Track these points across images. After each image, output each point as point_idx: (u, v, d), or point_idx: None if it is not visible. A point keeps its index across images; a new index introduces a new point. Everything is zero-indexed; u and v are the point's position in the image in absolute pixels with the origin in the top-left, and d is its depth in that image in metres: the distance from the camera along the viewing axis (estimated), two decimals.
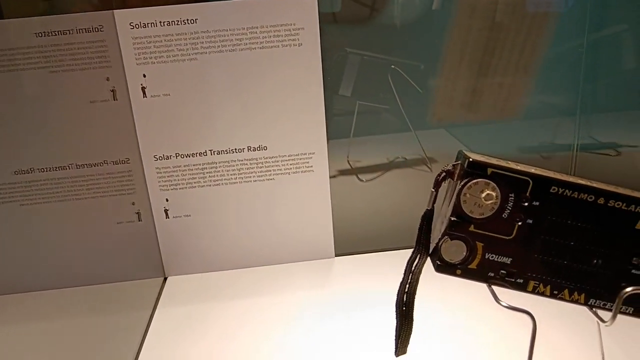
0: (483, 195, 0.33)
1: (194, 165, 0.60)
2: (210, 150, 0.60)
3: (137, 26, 0.55)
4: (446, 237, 0.34)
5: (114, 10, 0.55)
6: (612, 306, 0.34)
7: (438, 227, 0.35)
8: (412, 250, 0.36)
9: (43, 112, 0.57)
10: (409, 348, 0.38)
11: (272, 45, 0.57)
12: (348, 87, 0.68)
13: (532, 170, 0.33)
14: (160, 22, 0.55)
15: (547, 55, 0.67)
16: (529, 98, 0.69)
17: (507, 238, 0.34)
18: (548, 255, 0.34)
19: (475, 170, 0.33)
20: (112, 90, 0.57)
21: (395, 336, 0.38)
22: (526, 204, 0.33)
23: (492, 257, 0.34)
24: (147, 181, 0.60)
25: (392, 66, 0.66)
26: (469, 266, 0.34)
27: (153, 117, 0.58)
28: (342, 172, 0.70)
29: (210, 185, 0.61)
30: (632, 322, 0.35)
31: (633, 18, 0.68)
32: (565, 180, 0.33)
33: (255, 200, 0.62)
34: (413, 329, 0.37)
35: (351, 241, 0.68)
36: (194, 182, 0.61)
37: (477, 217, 0.33)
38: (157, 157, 0.60)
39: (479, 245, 0.34)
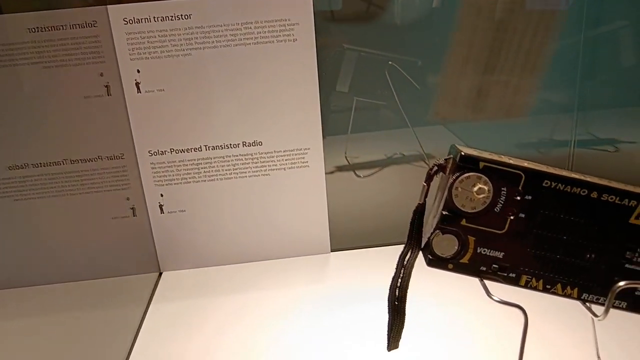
0: (475, 189, 0.32)
1: (188, 160, 0.60)
2: (205, 146, 0.60)
3: (130, 21, 0.55)
4: (438, 231, 0.33)
5: (108, 6, 0.55)
6: (605, 301, 0.34)
7: (430, 222, 0.35)
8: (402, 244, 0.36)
9: (37, 108, 0.57)
10: (401, 342, 0.38)
11: (266, 40, 0.57)
12: (345, 83, 0.68)
13: (525, 164, 0.33)
14: (154, 17, 0.55)
15: (547, 52, 0.66)
16: (529, 95, 0.69)
17: (500, 232, 0.33)
18: (541, 250, 0.34)
19: (467, 164, 0.32)
20: (106, 86, 0.57)
21: (388, 331, 0.38)
22: (519, 198, 0.33)
23: (484, 251, 0.34)
24: (142, 176, 0.60)
25: (390, 62, 0.66)
26: (461, 260, 0.34)
27: (147, 112, 0.58)
28: (340, 168, 0.70)
29: (205, 181, 0.61)
30: (625, 316, 0.34)
31: (630, 14, 0.68)
32: (558, 174, 0.33)
33: (250, 195, 0.62)
34: (405, 324, 0.37)
35: (347, 236, 0.68)
36: (189, 178, 0.61)
37: (469, 211, 0.33)
38: (152, 152, 0.60)
39: (471, 239, 0.34)
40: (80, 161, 0.59)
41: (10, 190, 0.59)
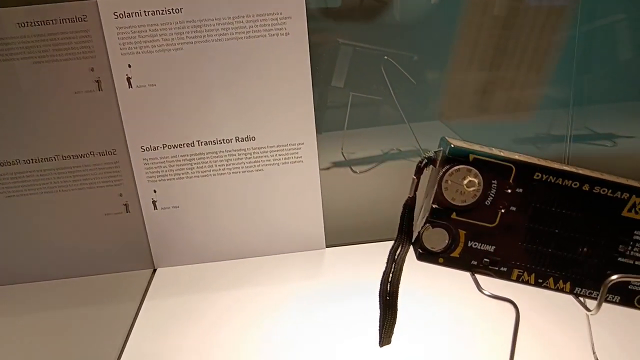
0: (465, 182, 0.32)
1: (181, 156, 0.60)
2: (198, 141, 0.59)
3: (121, 16, 0.55)
4: (428, 224, 0.33)
5: (98, 0, 0.54)
6: (598, 295, 0.33)
7: (420, 215, 0.34)
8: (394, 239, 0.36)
9: (27, 104, 0.56)
10: (393, 338, 0.37)
11: (258, 34, 0.56)
12: (341, 78, 0.67)
13: (516, 156, 0.32)
14: (144, 11, 0.55)
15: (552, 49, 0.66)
16: (534, 94, 0.69)
17: (490, 226, 0.33)
18: (532, 243, 0.33)
19: (457, 156, 0.32)
20: (97, 81, 0.56)
21: (379, 326, 0.37)
22: (509, 191, 0.32)
23: (475, 245, 0.33)
24: (135, 172, 0.60)
25: (385, 57, 0.65)
26: (452, 254, 0.33)
27: (139, 107, 0.58)
28: (336, 164, 0.69)
29: (198, 177, 0.61)
30: (617, 310, 0.34)
31: (627, 8, 0.67)
32: (549, 166, 0.32)
33: (244, 191, 0.62)
34: (397, 319, 0.37)
35: (343, 232, 0.67)
36: (182, 173, 0.60)
37: (460, 204, 0.32)
38: (144, 148, 0.59)
39: (462, 233, 0.33)
40: (72, 157, 0.59)
41: (1, 186, 0.59)
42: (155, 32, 0.55)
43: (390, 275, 0.36)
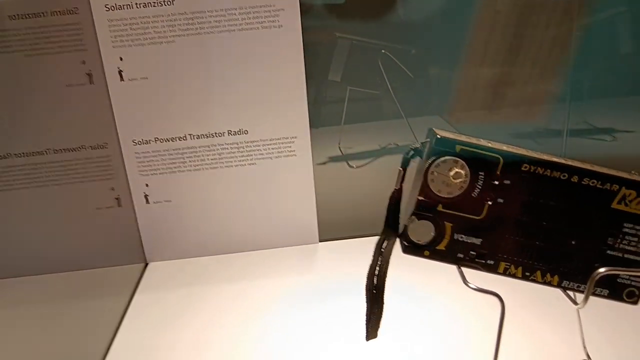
0: (451, 173, 0.31)
1: (173, 149, 0.59)
2: (190, 135, 0.59)
3: (112, 8, 0.54)
4: (413, 217, 0.32)
5: None
6: (586, 288, 0.33)
7: (406, 208, 0.34)
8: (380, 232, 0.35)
9: (18, 97, 0.56)
10: (379, 332, 0.37)
11: (251, 27, 0.56)
12: (338, 72, 0.67)
13: (504, 147, 0.32)
14: (136, 3, 0.54)
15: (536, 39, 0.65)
16: (525, 85, 0.68)
17: (477, 218, 0.32)
18: (520, 236, 0.33)
19: (444, 147, 0.31)
20: (89, 74, 0.56)
21: (366, 320, 0.37)
22: (497, 182, 0.32)
23: (462, 237, 0.33)
24: (126, 166, 0.59)
25: (383, 51, 0.65)
26: (438, 247, 0.33)
27: (131, 101, 0.57)
28: (333, 159, 0.69)
29: (190, 170, 0.60)
30: (604, 304, 0.33)
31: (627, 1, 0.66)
32: (538, 157, 0.32)
33: (237, 185, 0.61)
34: (384, 313, 0.36)
35: (338, 227, 0.67)
36: (174, 167, 0.60)
37: (446, 196, 0.32)
38: (136, 141, 0.59)
39: (448, 225, 0.33)
40: (63, 151, 0.58)
41: None
42: (146, 24, 0.55)
43: (377, 268, 0.35)
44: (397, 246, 0.35)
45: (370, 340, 0.37)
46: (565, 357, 0.43)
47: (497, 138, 0.33)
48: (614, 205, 0.32)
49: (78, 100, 0.57)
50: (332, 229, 0.66)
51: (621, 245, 0.32)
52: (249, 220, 0.63)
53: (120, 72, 0.56)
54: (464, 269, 0.33)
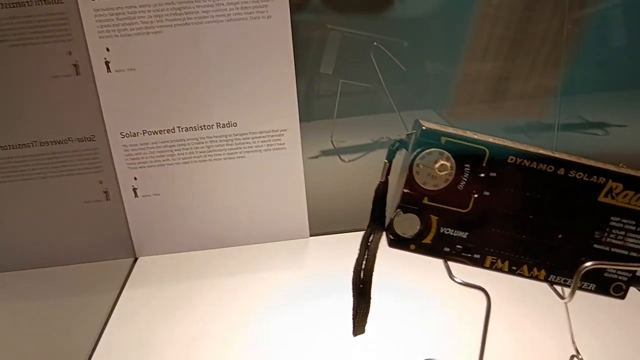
0: (437, 165, 0.31)
1: (162, 142, 0.59)
2: (179, 127, 0.58)
3: None
4: (399, 210, 0.32)
5: None
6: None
7: (392, 201, 0.33)
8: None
9: (3, 88, 0.55)
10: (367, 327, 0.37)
11: (239, 17, 0.55)
12: (329, 64, 0.66)
13: (490, 139, 0.31)
14: None
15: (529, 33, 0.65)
16: (517, 80, 0.67)
17: (463, 211, 0.32)
18: (506, 229, 0.32)
19: (429, 139, 0.31)
20: (75, 65, 0.55)
21: (353, 315, 0.37)
22: (483, 175, 0.31)
23: (448, 231, 0.32)
24: (114, 159, 0.59)
25: (375, 43, 0.64)
26: (424, 241, 0.32)
27: (118, 92, 0.56)
28: (324, 153, 0.68)
29: (179, 163, 0.60)
30: (591, 298, 0.33)
31: None
32: (524, 150, 0.31)
33: (226, 178, 0.61)
34: (371, 308, 0.36)
35: (329, 221, 0.66)
36: (163, 160, 0.59)
37: (431, 189, 0.31)
38: (124, 134, 0.58)
39: (434, 218, 0.32)
40: (49, 143, 0.58)
41: None
42: (133, 14, 0.54)
43: (364, 262, 0.35)
44: (383, 240, 0.35)
45: (358, 336, 0.37)
46: (552, 351, 0.43)
47: (489, 132, 0.33)
48: (601, 198, 0.31)
49: (64, 92, 0.56)
50: (324, 223, 0.66)
51: (608, 239, 0.32)
52: (239, 215, 0.62)
53: (107, 63, 0.55)
54: (450, 263, 0.33)
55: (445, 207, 0.32)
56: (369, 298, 0.36)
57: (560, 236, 0.32)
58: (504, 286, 0.35)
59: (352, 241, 0.64)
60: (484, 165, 0.31)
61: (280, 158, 0.60)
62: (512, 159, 0.31)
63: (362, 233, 0.69)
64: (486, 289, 0.32)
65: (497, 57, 0.66)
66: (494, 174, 0.31)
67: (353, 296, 0.36)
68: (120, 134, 0.58)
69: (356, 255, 0.61)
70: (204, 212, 0.62)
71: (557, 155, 0.31)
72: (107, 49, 0.55)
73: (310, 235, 0.65)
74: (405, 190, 0.32)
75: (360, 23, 0.64)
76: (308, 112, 0.64)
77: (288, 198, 0.62)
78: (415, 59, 0.66)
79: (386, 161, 0.33)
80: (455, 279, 0.32)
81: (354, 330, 0.37)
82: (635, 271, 0.33)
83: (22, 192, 0.59)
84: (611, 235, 0.32)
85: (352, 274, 0.36)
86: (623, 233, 0.32)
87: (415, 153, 0.31)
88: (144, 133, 0.58)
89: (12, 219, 0.60)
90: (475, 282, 0.32)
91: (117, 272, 0.60)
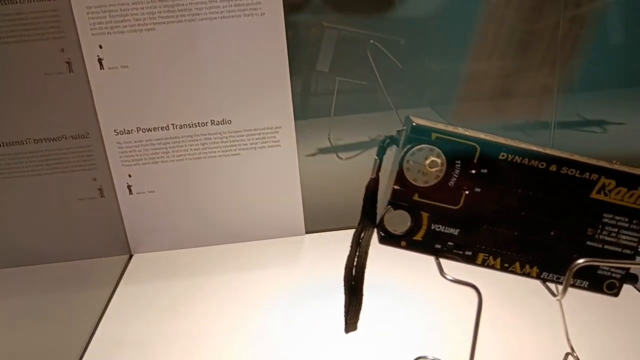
0: (427, 162, 0.31)
1: (156, 139, 0.58)
2: (173, 124, 0.58)
3: None
4: (389, 206, 0.32)
5: None
6: None
7: (383, 197, 0.33)
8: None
9: None
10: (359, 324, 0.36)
11: (233, 14, 0.55)
12: (326, 62, 0.66)
13: (481, 135, 0.31)
14: None
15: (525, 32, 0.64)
16: (515, 78, 0.67)
17: (454, 208, 0.32)
18: (498, 226, 0.32)
19: (419, 135, 0.31)
20: (68, 62, 0.55)
21: (345, 312, 0.36)
22: (474, 171, 0.31)
23: (439, 228, 0.32)
24: (109, 156, 0.59)
25: (371, 41, 0.64)
26: (414, 237, 0.32)
27: (112, 89, 0.56)
28: (321, 151, 0.68)
29: (174, 161, 0.59)
30: (588, 296, 0.33)
31: None
32: (515, 146, 0.31)
33: (221, 175, 0.61)
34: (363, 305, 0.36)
35: (325, 219, 0.66)
36: (157, 157, 0.59)
37: (422, 185, 0.31)
38: (118, 131, 0.58)
39: (425, 215, 0.32)
40: (43, 141, 0.57)
41: None
42: (126, 11, 0.54)
43: (355, 259, 0.35)
44: (375, 237, 0.34)
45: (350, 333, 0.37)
46: (546, 349, 0.43)
47: (486, 131, 0.32)
48: (593, 195, 0.31)
49: (57, 89, 0.56)
50: (320, 221, 0.65)
51: (601, 236, 0.31)
52: (234, 212, 0.62)
53: (100, 60, 0.55)
54: (441, 260, 0.32)
55: (436, 203, 0.32)
56: (361, 295, 0.36)
57: (552, 233, 0.32)
58: (496, 284, 0.35)
59: (348, 239, 0.63)
60: (475, 161, 0.31)
61: (275, 155, 0.60)
62: (503, 156, 0.31)
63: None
64: (478, 286, 0.32)
65: (495, 56, 0.65)
66: (485, 171, 0.31)
67: (345, 293, 0.36)
68: (114, 131, 0.58)
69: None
70: (198, 210, 0.62)
71: (549, 151, 0.31)
72: (100, 46, 0.55)
73: (306, 233, 0.65)
74: (396, 187, 0.31)
75: (357, 21, 0.64)
76: (305, 109, 0.64)
77: (283, 195, 0.62)
78: (412, 56, 0.66)
79: (376, 157, 0.33)
80: (446, 276, 0.31)
81: (346, 328, 0.37)
82: (629, 268, 0.32)
83: (15, 189, 0.59)
84: (604, 232, 0.31)
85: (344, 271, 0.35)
86: (616, 230, 0.32)
87: (405, 149, 0.31)
88: (138, 130, 0.58)
89: (6, 216, 0.60)
90: (467, 279, 0.32)
91: (111, 269, 0.60)
